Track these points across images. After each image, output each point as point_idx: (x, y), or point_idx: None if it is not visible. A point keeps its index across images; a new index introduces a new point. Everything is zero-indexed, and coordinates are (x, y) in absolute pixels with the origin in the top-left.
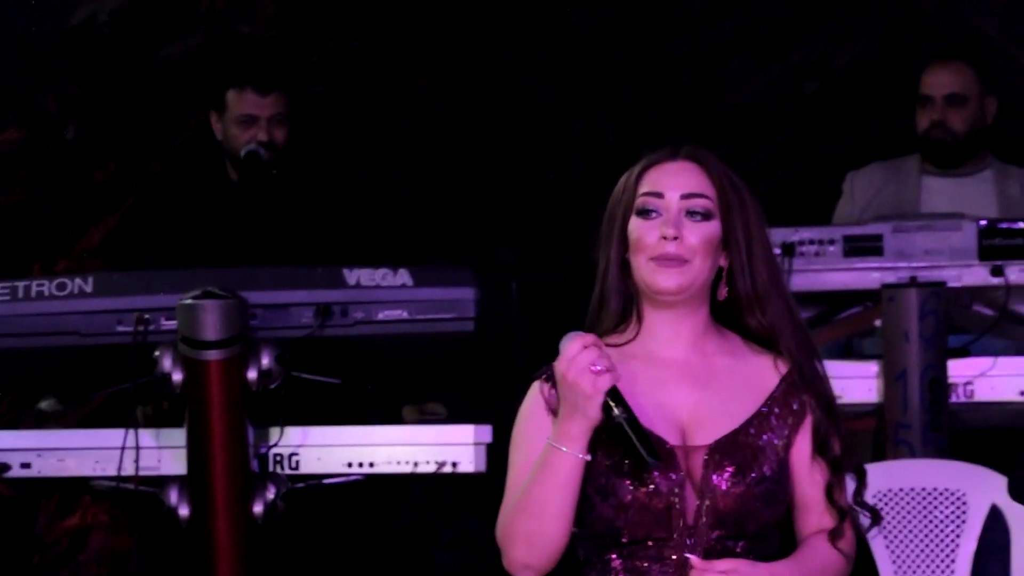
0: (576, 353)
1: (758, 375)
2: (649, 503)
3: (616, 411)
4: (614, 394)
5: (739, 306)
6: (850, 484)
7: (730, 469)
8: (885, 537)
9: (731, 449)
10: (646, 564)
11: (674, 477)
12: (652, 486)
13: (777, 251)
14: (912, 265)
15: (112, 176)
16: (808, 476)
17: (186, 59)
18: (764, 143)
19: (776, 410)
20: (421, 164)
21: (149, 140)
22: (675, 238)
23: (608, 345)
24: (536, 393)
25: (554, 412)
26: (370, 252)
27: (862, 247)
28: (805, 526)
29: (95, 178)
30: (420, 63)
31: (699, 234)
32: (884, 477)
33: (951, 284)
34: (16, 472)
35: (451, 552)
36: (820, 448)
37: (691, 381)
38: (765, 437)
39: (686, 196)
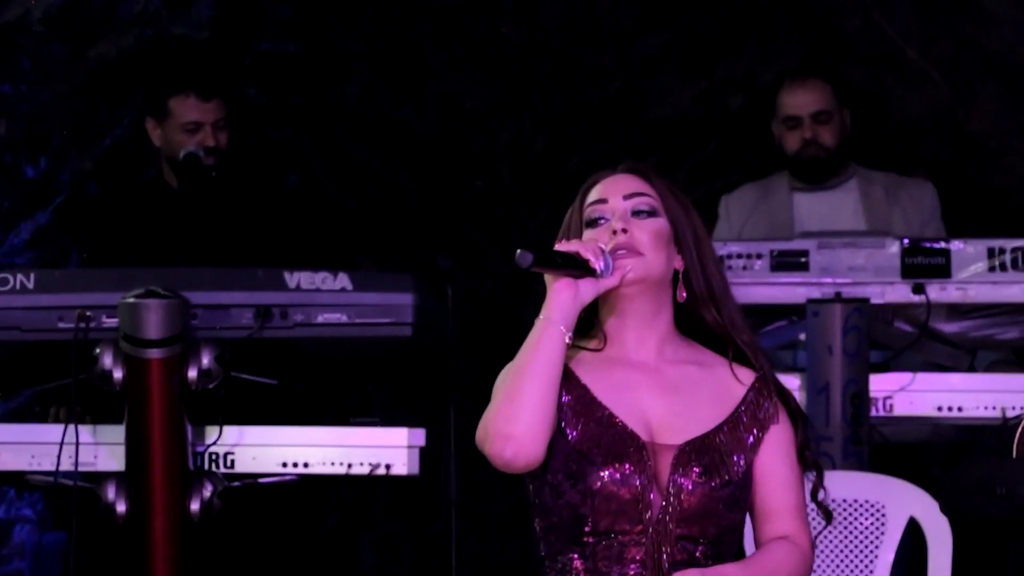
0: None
1: (726, 383)
2: (616, 492)
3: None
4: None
5: (696, 306)
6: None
7: (697, 470)
8: None
9: (700, 451)
10: (606, 564)
11: (643, 472)
12: (622, 477)
13: None
14: (837, 281)
15: (43, 173)
16: (769, 484)
17: (119, 59)
18: (689, 155)
19: (744, 419)
20: (351, 169)
21: (81, 138)
22: (624, 230)
23: (581, 348)
24: None
25: None
26: (307, 256)
27: (788, 262)
28: (764, 533)
29: (26, 174)
30: (351, 68)
31: (647, 229)
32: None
33: (874, 300)
34: None
35: (372, 553)
36: (801, 453)
37: (660, 386)
38: (733, 442)
39: (628, 196)
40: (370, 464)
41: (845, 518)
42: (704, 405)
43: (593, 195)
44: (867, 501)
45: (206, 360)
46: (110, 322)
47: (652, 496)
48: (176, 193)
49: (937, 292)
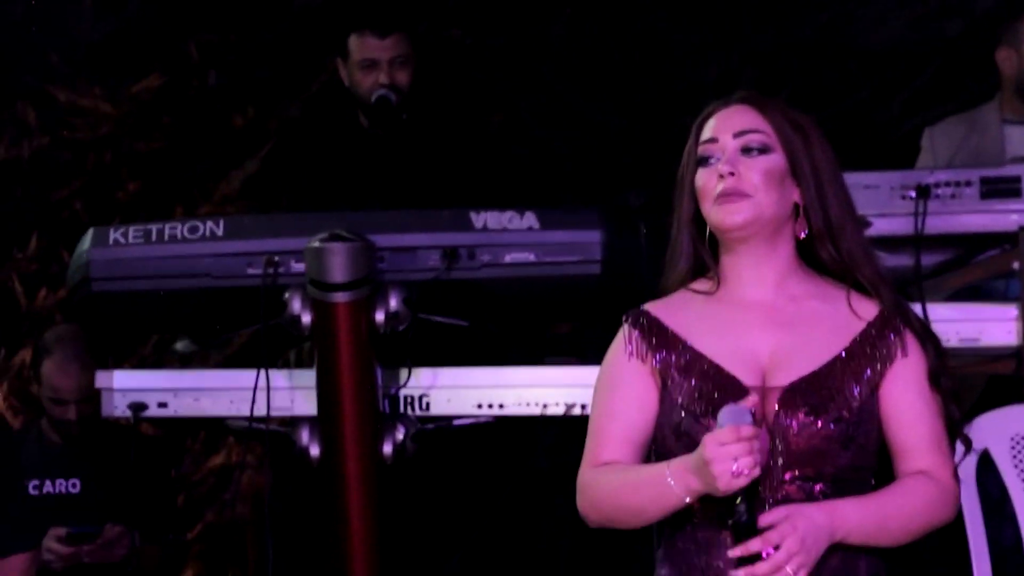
0: (728, 440)
1: (847, 317)
2: None
3: (739, 510)
4: (750, 490)
5: (812, 239)
6: None
7: (804, 409)
8: None
9: (807, 391)
10: (721, 503)
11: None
12: None
13: (912, 193)
14: None
15: (251, 121)
16: (901, 420)
17: (322, 4)
18: (904, 85)
19: (862, 353)
20: (557, 109)
21: (287, 85)
22: (731, 173)
23: (695, 292)
24: (621, 337)
25: (639, 356)
26: (498, 196)
27: (1000, 189)
28: (902, 470)
29: (235, 123)
30: (556, 7)
31: (758, 168)
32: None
33: None
34: (153, 411)
35: None
36: (935, 379)
37: (775, 323)
38: (847, 379)
39: (739, 134)
40: (566, 404)
41: None
42: (820, 340)
43: (705, 133)
44: None
45: (393, 303)
46: (298, 267)
47: (762, 439)
48: (367, 134)
49: None
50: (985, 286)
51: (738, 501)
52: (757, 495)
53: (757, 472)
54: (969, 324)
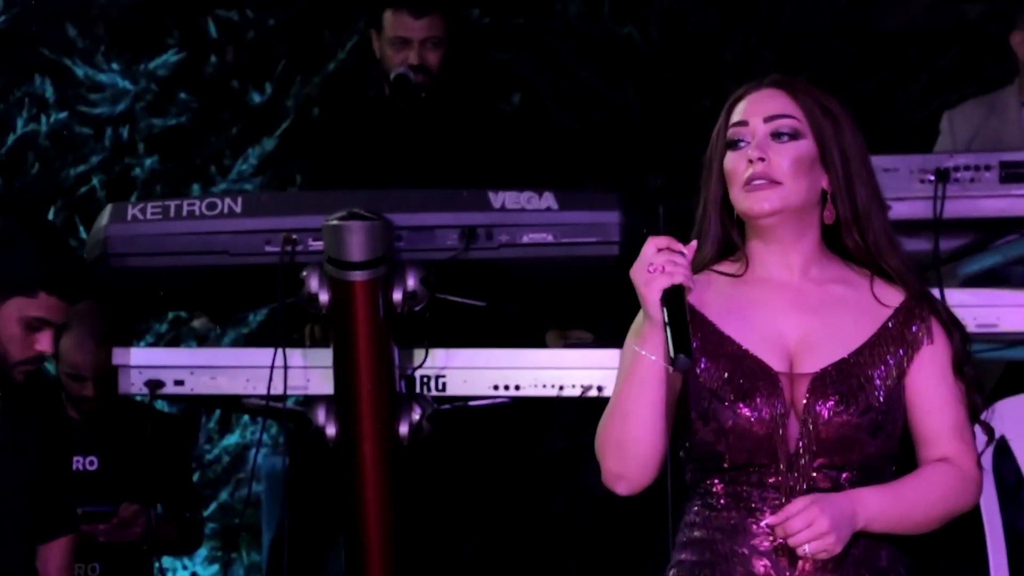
0: (645, 254)
1: (872, 304)
2: (750, 429)
3: (663, 312)
4: (673, 294)
5: (838, 226)
6: None
7: (834, 398)
8: None
9: (837, 378)
10: (747, 489)
11: (776, 406)
12: (755, 413)
13: (931, 177)
14: None
15: (269, 99)
16: (925, 407)
17: None
18: (925, 68)
19: (889, 340)
20: (575, 90)
21: (305, 63)
22: (760, 159)
23: (721, 273)
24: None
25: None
26: (519, 176)
27: (1019, 173)
28: (924, 457)
29: (252, 101)
30: None
31: (788, 154)
32: None
33: None
34: (169, 389)
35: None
36: (958, 367)
37: (802, 309)
38: (875, 367)
39: (769, 119)
40: (582, 386)
41: None
42: (847, 327)
43: (735, 115)
44: None
45: (411, 282)
46: (316, 245)
47: (789, 429)
48: (394, 109)
49: None
50: (1003, 271)
51: (665, 319)
52: (680, 301)
53: (680, 276)
54: (987, 310)
